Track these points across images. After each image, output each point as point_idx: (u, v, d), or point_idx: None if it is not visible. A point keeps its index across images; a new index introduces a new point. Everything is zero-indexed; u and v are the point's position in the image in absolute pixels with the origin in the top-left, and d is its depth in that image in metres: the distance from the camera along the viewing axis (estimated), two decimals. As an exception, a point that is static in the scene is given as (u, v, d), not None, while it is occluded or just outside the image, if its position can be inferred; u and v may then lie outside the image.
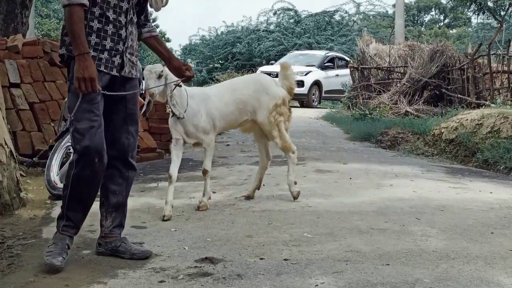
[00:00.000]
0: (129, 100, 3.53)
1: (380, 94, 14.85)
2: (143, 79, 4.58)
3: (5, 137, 4.97)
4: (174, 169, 4.69)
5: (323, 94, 19.06)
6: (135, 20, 3.56)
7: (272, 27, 28.58)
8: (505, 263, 3.49)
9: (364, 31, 22.71)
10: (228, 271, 3.31)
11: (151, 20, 3.98)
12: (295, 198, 5.15)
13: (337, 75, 18.83)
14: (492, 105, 10.79)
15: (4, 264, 3.40)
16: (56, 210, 4.79)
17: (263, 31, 27.68)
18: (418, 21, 51.69)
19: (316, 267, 3.37)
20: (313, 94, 18.60)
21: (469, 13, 29.03)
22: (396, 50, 16.32)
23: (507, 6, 18.52)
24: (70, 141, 5.44)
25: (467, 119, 8.74)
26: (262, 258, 3.54)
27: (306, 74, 18.26)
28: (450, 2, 22.15)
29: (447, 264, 3.46)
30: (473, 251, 3.72)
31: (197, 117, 4.68)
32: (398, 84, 14.77)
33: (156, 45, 3.80)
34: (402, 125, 10.46)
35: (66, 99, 6.27)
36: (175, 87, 4.33)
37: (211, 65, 27.44)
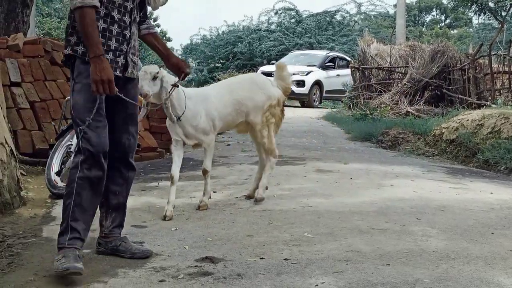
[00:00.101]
0: (130, 99, 3.50)
1: (381, 94, 14.86)
2: None
3: (6, 136, 4.97)
4: (175, 169, 4.67)
5: (324, 94, 19.04)
6: (138, 19, 3.55)
7: (273, 26, 28.55)
8: (505, 264, 3.49)
9: (365, 31, 22.70)
10: (229, 270, 3.30)
11: (152, 20, 3.97)
12: (256, 201, 5.01)
13: (338, 75, 18.82)
14: (493, 105, 10.79)
15: (4, 262, 3.40)
16: (57, 209, 4.79)
17: (264, 30, 27.66)
18: (419, 21, 51.68)
19: (317, 267, 3.37)
20: (314, 94, 18.59)
21: (470, 14, 28.99)
22: (397, 50, 16.32)
23: (508, 7, 18.52)
24: (72, 141, 5.49)
25: (468, 120, 8.74)
26: (262, 258, 3.54)
27: (307, 74, 18.25)
28: (451, 2, 22.13)
29: (447, 264, 3.46)
30: (474, 252, 3.72)
31: (196, 119, 4.64)
32: (399, 84, 14.78)
33: (154, 42, 3.78)
34: (403, 125, 10.46)
35: (67, 98, 6.29)
36: (172, 89, 4.27)
37: (212, 65, 27.42)
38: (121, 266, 3.38)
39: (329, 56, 20.02)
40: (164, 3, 3.68)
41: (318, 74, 18.61)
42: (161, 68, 4.33)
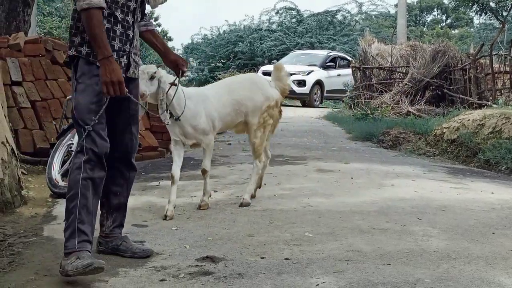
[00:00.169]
0: (132, 100, 3.48)
1: (382, 94, 14.86)
2: None
3: (7, 135, 4.97)
4: (176, 169, 4.65)
5: (325, 94, 19.04)
6: (139, 19, 3.54)
7: (274, 26, 28.54)
8: (506, 264, 3.49)
9: (366, 31, 22.71)
10: (229, 270, 3.30)
11: (153, 19, 3.96)
12: (242, 205, 4.92)
13: (339, 75, 18.82)
14: (494, 105, 10.79)
15: (5, 262, 3.40)
16: (58, 208, 4.80)
17: (265, 30, 27.65)
18: (420, 21, 51.67)
19: (317, 267, 3.37)
20: (315, 94, 18.59)
21: (471, 14, 29.02)
22: (398, 50, 16.32)
23: (509, 7, 18.48)
24: (73, 140, 5.49)
25: (468, 120, 8.73)
26: (263, 257, 3.54)
27: (308, 74, 18.25)
28: (452, 2, 22.13)
29: (448, 264, 3.45)
30: (474, 252, 3.72)
31: (196, 119, 4.60)
32: (400, 84, 14.78)
33: (152, 39, 3.76)
34: (403, 125, 10.46)
35: (68, 97, 6.29)
36: (169, 88, 4.24)
37: (213, 64, 27.41)
38: (121, 266, 3.38)
39: (330, 55, 20.02)
40: (163, 2, 3.66)
41: (319, 73, 18.62)
42: (159, 68, 4.31)
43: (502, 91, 12.66)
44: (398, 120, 11.64)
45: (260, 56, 25.93)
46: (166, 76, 4.38)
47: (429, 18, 52.99)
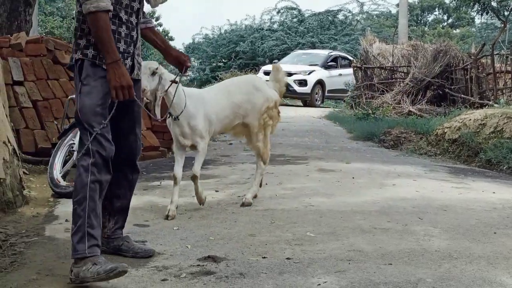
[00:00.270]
0: (136, 102, 3.43)
1: (383, 94, 14.85)
2: None
3: (8, 135, 4.97)
4: (178, 169, 4.64)
5: (326, 94, 19.04)
6: (142, 19, 3.51)
7: (275, 26, 28.54)
8: (507, 263, 3.49)
9: (368, 30, 22.67)
10: (231, 269, 3.31)
11: (154, 19, 3.93)
12: (243, 205, 4.93)
13: (340, 75, 18.81)
14: (496, 105, 10.77)
15: (7, 261, 3.41)
16: (59, 208, 4.81)
17: (266, 30, 27.66)
18: (422, 21, 51.63)
19: (319, 266, 3.37)
20: (316, 94, 18.58)
21: (472, 13, 28.97)
22: (400, 50, 16.31)
23: (510, 6, 18.49)
24: (75, 140, 5.50)
25: (470, 119, 8.73)
26: (264, 257, 3.54)
27: (309, 74, 18.25)
28: (453, 2, 22.11)
29: (449, 264, 3.46)
30: (476, 251, 3.72)
31: (195, 119, 4.56)
32: (401, 84, 14.76)
33: (153, 36, 3.72)
34: (405, 125, 10.45)
35: (69, 97, 6.30)
36: (169, 86, 4.23)
37: (214, 64, 27.41)
38: (123, 265, 3.38)
39: (331, 55, 20.01)
40: (163, 1, 3.63)
41: (320, 73, 18.61)
42: (160, 65, 4.30)
43: (504, 91, 12.64)
44: (399, 119, 11.64)
45: (261, 56, 25.93)
46: (167, 73, 4.38)
47: (431, 17, 52.96)
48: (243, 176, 6.32)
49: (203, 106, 4.63)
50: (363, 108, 13.68)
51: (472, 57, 13.49)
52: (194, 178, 4.66)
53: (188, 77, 23.75)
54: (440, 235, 4.11)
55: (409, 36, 25.45)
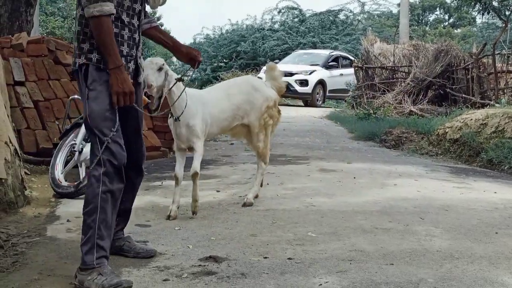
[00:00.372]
0: (139, 105, 3.41)
1: (385, 94, 14.84)
2: None
3: (10, 135, 4.98)
4: (179, 169, 4.61)
5: (327, 93, 19.03)
6: (145, 20, 3.47)
7: (276, 26, 28.54)
8: (509, 263, 3.49)
9: (369, 30, 22.68)
10: (232, 270, 3.31)
11: (155, 19, 3.89)
12: (244, 205, 4.93)
13: (341, 75, 18.81)
14: (497, 105, 10.77)
15: (9, 262, 3.41)
16: (61, 208, 4.81)
17: (267, 30, 27.65)
18: (423, 21, 51.61)
19: (320, 266, 3.37)
20: (317, 93, 18.58)
21: (473, 13, 28.95)
22: (401, 50, 16.30)
23: (512, 6, 18.48)
24: (76, 140, 5.50)
25: (471, 119, 8.72)
26: (266, 257, 3.54)
27: (310, 73, 18.25)
28: (454, 1, 22.08)
29: (451, 264, 3.46)
30: (477, 251, 3.72)
31: (194, 119, 4.53)
32: (402, 84, 14.75)
33: (159, 35, 3.65)
34: (406, 125, 10.45)
35: (70, 97, 6.31)
36: (174, 83, 4.18)
37: (215, 64, 27.41)
38: (125, 266, 3.39)
39: (333, 55, 20.01)
40: (163, 3, 3.59)
41: (321, 73, 18.61)
42: (165, 62, 4.27)
43: (505, 91, 12.64)
44: (400, 119, 11.63)
45: (262, 56, 25.92)
46: (170, 70, 4.34)
47: (432, 17, 52.96)
48: (244, 176, 6.33)
49: (202, 107, 4.62)
50: (364, 108, 13.67)
51: (473, 57, 13.49)
52: (194, 175, 4.56)
53: (189, 77, 23.69)
54: (442, 235, 4.11)
55: (410, 36, 25.45)
